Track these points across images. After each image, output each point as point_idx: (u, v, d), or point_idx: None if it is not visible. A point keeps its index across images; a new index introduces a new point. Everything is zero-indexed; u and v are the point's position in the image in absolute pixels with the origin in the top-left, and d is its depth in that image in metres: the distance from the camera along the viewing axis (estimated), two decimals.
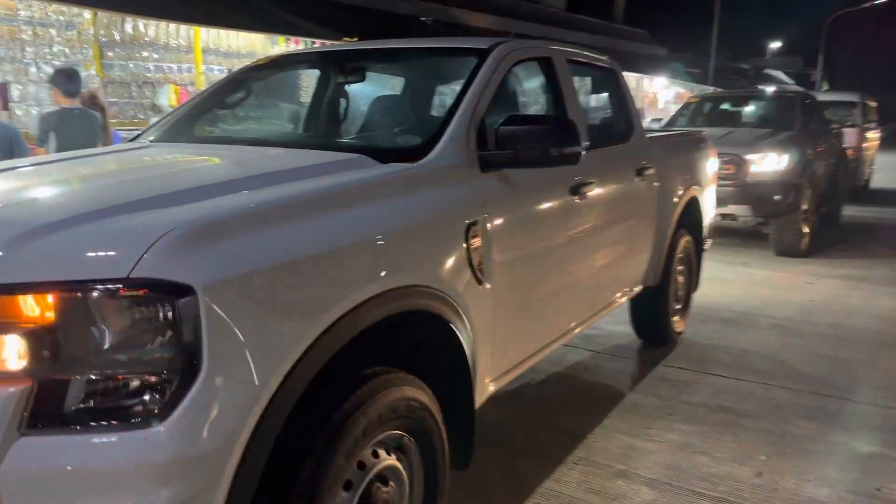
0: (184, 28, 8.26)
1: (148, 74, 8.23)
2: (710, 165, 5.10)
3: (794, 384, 3.98)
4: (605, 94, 4.02)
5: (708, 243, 5.22)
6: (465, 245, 2.21)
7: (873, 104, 13.80)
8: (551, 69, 3.16)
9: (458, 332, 2.16)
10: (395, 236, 1.94)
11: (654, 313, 4.42)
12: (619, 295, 3.80)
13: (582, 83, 4.21)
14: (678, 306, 4.67)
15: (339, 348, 1.69)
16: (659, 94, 19.35)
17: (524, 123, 2.44)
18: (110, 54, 7.59)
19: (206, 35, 8.57)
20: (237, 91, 3.17)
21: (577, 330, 3.37)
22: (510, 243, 2.51)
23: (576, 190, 3.01)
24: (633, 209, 3.75)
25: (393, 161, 2.23)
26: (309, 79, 3.59)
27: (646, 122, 11.50)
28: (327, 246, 1.73)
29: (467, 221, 2.25)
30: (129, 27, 7.70)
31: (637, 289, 4.11)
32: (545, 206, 2.78)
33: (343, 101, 3.14)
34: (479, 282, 2.31)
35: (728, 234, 8.63)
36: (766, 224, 7.58)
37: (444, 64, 3.09)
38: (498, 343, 2.48)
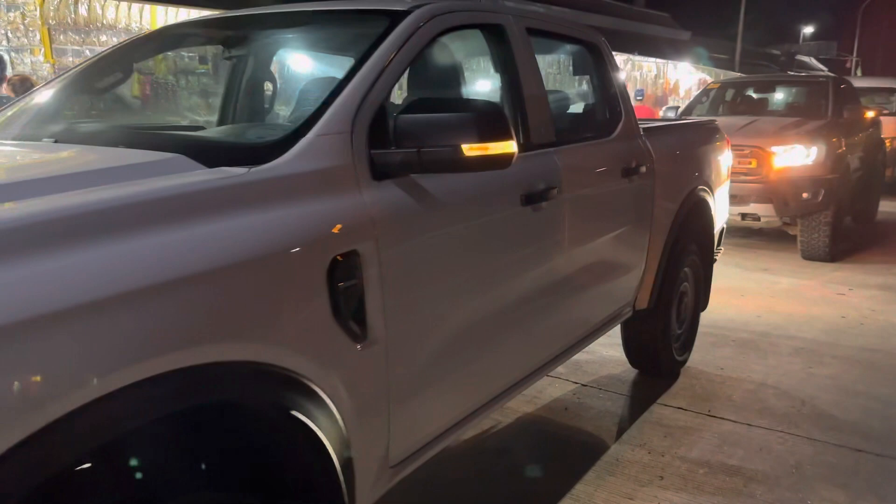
0: (148, 9, 7.61)
1: None
2: (723, 161, 4.32)
3: (820, 433, 3.22)
4: (586, 76, 3.27)
5: (719, 253, 4.45)
6: (327, 289, 1.51)
7: None
8: (502, 41, 2.44)
9: (317, 429, 1.47)
10: (190, 283, 1.24)
11: (649, 341, 3.68)
12: (598, 325, 3.08)
13: (558, 63, 3.44)
14: (680, 330, 3.92)
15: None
16: (681, 80, 18.36)
17: (431, 110, 1.73)
18: (62, 38, 6.97)
19: (166, 17, 7.88)
20: (98, 73, 2.48)
21: (542, 374, 2.66)
22: (419, 279, 1.81)
23: (532, 199, 2.29)
24: (618, 218, 3.01)
25: (228, 163, 1.53)
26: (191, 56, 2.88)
27: (661, 112, 10.70)
28: (54, 303, 1.05)
29: (336, 254, 1.54)
30: (83, 9, 7.06)
31: (626, 313, 3.38)
32: (478, 223, 2.07)
33: (230, 84, 2.45)
34: (360, 341, 1.61)
35: (749, 234, 7.84)
36: (793, 224, 6.77)
37: (345, 33, 2.37)
38: (399, 423, 1.79)
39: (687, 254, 3.78)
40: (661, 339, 3.66)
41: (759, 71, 21.12)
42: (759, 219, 6.59)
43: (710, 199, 3.95)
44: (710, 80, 17.73)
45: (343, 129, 1.70)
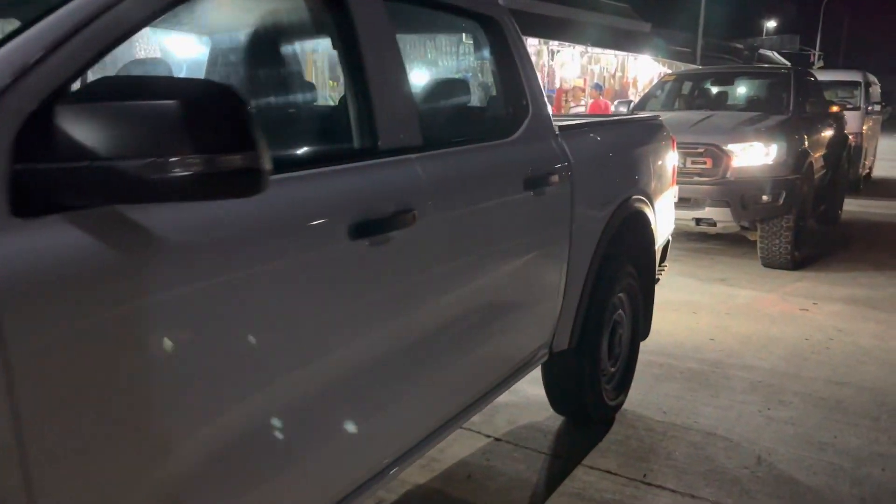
0: None
1: None
2: (667, 164, 3.68)
3: None
4: (484, 61, 2.57)
5: (662, 272, 3.81)
6: None
7: (876, 84, 12.36)
8: (340, 9, 1.73)
9: None
10: None
11: (574, 386, 3.01)
12: (496, 381, 2.40)
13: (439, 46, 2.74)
14: (614, 368, 3.26)
15: None
16: (641, 73, 17.79)
17: (124, 96, 1.02)
18: None
19: None
20: None
21: (423, 449, 1.98)
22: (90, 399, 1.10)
23: (370, 229, 1.60)
24: (518, 243, 2.33)
25: None
26: None
27: (613, 107, 10.09)
28: None
29: None
30: None
31: (540, 356, 2.71)
32: (261, 276, 1.36)
33: None
34: None
35: (706, 238, 7.25)
36: (752, 229, 6.17)
37: None
38: None
39: (620, 277, 3.12)
40: (589, 382, 2.99)
41: (722, 64, 20.70)
42: (714, 224, 5.98)
43: (648, 211, 3.30)
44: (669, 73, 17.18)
45: None
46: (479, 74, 2.64)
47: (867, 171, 11.97)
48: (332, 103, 1.70)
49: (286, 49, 1.75)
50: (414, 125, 1.87)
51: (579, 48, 15.56)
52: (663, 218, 3.61)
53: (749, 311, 5.04)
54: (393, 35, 1.86)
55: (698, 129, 6.05)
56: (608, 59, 16.84)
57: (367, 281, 1.63)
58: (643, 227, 3.35)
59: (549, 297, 2.60)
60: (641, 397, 3.52)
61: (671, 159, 3.74)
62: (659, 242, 3.59)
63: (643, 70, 17.90)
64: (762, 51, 33.69)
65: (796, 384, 3.71)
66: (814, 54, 33.10)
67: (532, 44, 14.55)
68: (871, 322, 4.77)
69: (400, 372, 1.81)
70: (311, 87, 1.80)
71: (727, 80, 8.09)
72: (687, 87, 8.10)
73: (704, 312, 5.00)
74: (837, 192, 8.24)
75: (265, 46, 1.75)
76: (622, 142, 3.19)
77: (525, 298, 2.44)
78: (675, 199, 5.85)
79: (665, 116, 6.81)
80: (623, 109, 7.59)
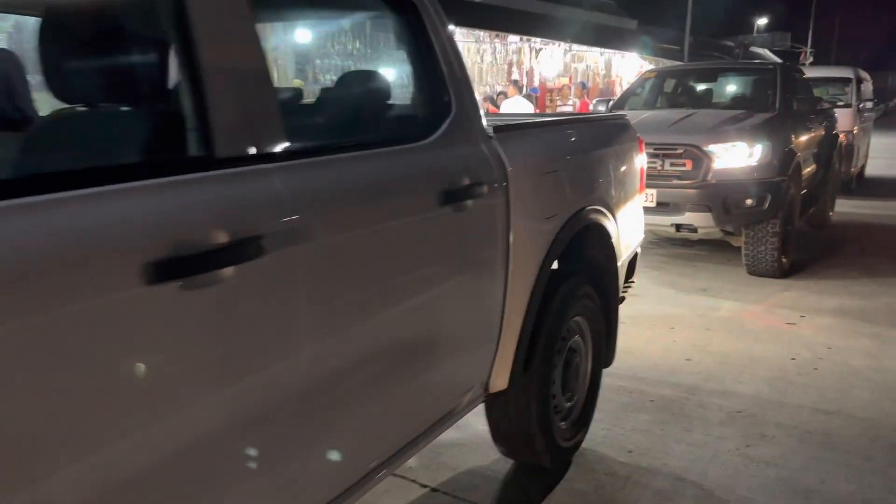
0: None
1: None
2: (633, 168, 3.28)
3: None
4: (399, 50, 2.16)
5: (628, 290, 3.41)
6: None
7: (868, 81, 12.00)
8: None
9: None
10: None
11: (520, 428, 2.60)
12: (419, 432, 1.99)
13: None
14: (570, 403, 2.85)
15: None
16: (627, 72, 17.37)
17: None
18: None
19: None
20: None
21: None
22: None
23: (171, 270, 1.18)
24: (428, 269, 1.92)
25: None
26: None
27: (591, 106, 9.69)
28: None
29: None
30: None
31: (475, 399, 2.30)
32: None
33: None
34: None
35: (689, 243, 6.84)
36: (736, 235, 5.78)
37: None
38: None
39: (576, 299, 2.72)
40: (538, 424, 2.58)
41: (710, 61, 20.31)
42: (696, 230, 5.58)
43: (608, 223, 2.89)
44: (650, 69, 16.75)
45: None
46: (390, 67, 2.22)
47: (859, 170, 11.60)
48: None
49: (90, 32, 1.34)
50: (274, 128, 1.45)
51: (563, 46, 15.18)
52: (628, 230, 3.21)
53: (731, 325, 4.64)
54: (245, 15, 1.44)
55: (677, 128, 5.65)
56: (594, 58, 16.44)
57: (186, 333, 1.22)
58: (602, 242, 2.94)
59: (479, 329, 2.19)
60: (605, 432, 3.12)
61: (638, 163, 3.34)
62: (623, 257, 3.18)
63: (630, 68, 17.50)
64: (753, 48, 33.34)
65: (780, 414, 3.31)
66: (805, 51, 32.80)
67: (513, 41, 14.18)
68: (863, 337, 4.38)
69: (288, 426, 1.40)
70: (133, 81, 1.38)
71: (710, 76, 7.70)
72: (669, 84, 7.70)
73: (683, 327, 4.60)
74: (828, 193, 7.86)
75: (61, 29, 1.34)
76: (576, 145, 2.78)
77: (446, 334, 2.03)
78: (653, 204, 5.51)
79: (644, 115, 6.46)
80: (601, 108, 7.19)
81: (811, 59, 30.20)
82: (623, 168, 3.15)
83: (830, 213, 8.22)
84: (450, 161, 2.00)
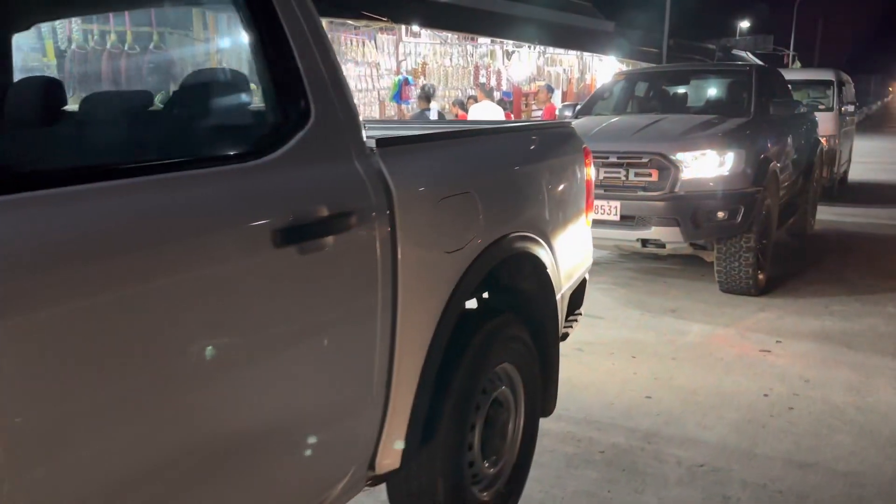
0: None
1: None
2: (577, 183, 2.82)
3: None
4: (241, 38, 1.68)
5: (572, 325, 2.95)
6: None
7: (850, 83, 11.65)
8: None
9: None
10: None
11: None
12: None
13: None
14: (495, 468, 2.38)
15: None
16: (601, 76, 16.95)
17: None
18: None
19: None
20: None
21: None
22: None
23: None
24: (263, 332, 1.43)
25: None
26: None
27: (558, 111, 9.25)
28: None
29: None
30: None
31: (356, 481, 1.82)
32: None
33: None
34: None
35: (658, 257, 6.36)
36: (708, 250, 5.34)
37: None
38: None
39: (501, 344, 2.26)
40: (448, 501, 2.10)
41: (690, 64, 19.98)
42: (663, 245, 5.13)
43: (542, 251, 2.43)
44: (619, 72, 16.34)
45: None
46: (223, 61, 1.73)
47: (841, 175, 11.23)
48: None
49: None
50: None
51: (538, 48, 14.74)
52: (570, 256, 2.74)
53: (700, 353, 4.19)
54: None
55: (643, 135, 5.21)
56: (570, 61, 16.01)
57: None
58: (535, 273, 2.48)
59: (353, 398, 1.72)
60: (543, 496, 2.65)
61: (583, 177, 2.88)
62: (564, 288, 2.72)
63: (608, 71, 17.11)
64: (735, 51, 33.10)
65: (748, 468, 2.85)
66: (787, 54, 32.60)
67: (483, 42, 13.71)
68: (844, 368, 3.94)
69: None
70: None
71: (683, 79, 7.27)
72: (641, 87, 7.27)
73: (646, 356, 4.14)
74: (809, 201, 7.45)
75: None
76: (496, 159, 2.31)
77: (296, 412, 1.55)
78: (617, 218, 5.06)
79: (610, 121, 6.02)
80: (568, 114, 6.76)
81: (798, 65, 29.94)
82: (563, 185, 2.69)
83: (812, 221, 7.81)
84: (299, 185, 1.53)
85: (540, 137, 2.67)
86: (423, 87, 10.19)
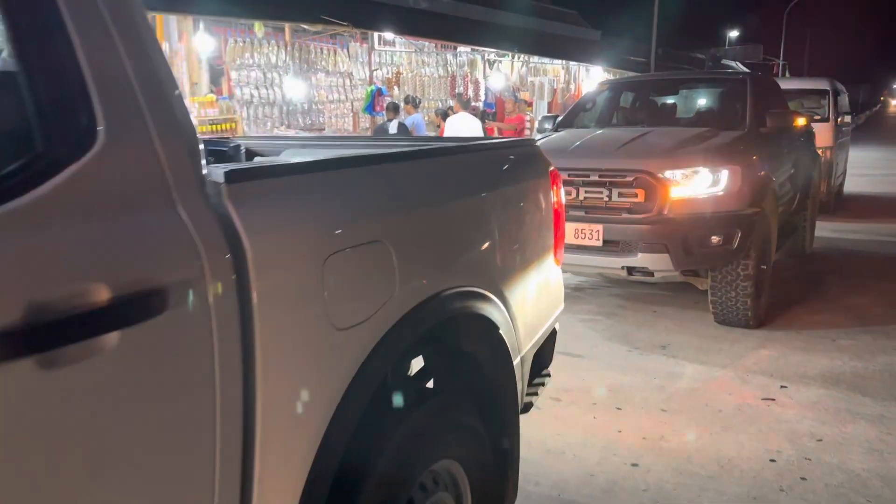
0: None
1: None
2: (539, 215, 2.26)
3: None
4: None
5: (537, 392, 2.38)
6: None
7: (845, 93, 11.19)
8: None
9: None
10: None
11: None
12: None
13: None
14: None
15: None
16: (588, 86, 16.49)
17: None
18: None
19: None
20: None
21: None
22: None
23: None
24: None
25: None
26: None
27: (536, 123, 8.72)
28: None
29: None
30: None
31: None
32: None
33: None
34: None
35: (648, 283, 5.80)
36: (702, 276, 4.79)
37: None
38: None
39: (435, 437, 1.69)
40: None
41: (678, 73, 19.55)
42: (651, 274, 4.58)
43: (491, 308, 1.86)
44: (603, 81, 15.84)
45: None
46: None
47: (837, 188, 10.75)
48: None
49: None
50: None
51: (523, 57, 14.23)
52: (532, 308, 2.18)
53: (694, 403, 3.63)
54: None
55: (627, 151, 4.66)
56: (556, 70, 15.50)
57: None
58: (484, 337, 1.91)
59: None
60: None
61: (548, 207, 2.32)
62: (525, 349, 2.15)
63: (595, 82, 16.65)
64: (725, 61, 32.79)
65: None
66: (778, 64, 32.30)
67: (464, 51, 13.15)
68: (861, 421, 3.39)
69: None
70: None
71: (671, 88, 6.74)
72: (626, 98, 6.73)
73: (633, 407, 3.58)
74: (808, 219, 6.93)
75: None
76: (422, 192, 1.73)
77: None
78: (599, 243, 4.51)
79: (591, 134, 5.46)
80: (547, 126, 6.21)
81: (788, 74, 29.67)
82: (521, 218, 2.13)
83: (811, 239, 7.29)
84: (56, 252, 0.95)
85: (491, 159, 2.11)
86: (389, 103, 9.68)
